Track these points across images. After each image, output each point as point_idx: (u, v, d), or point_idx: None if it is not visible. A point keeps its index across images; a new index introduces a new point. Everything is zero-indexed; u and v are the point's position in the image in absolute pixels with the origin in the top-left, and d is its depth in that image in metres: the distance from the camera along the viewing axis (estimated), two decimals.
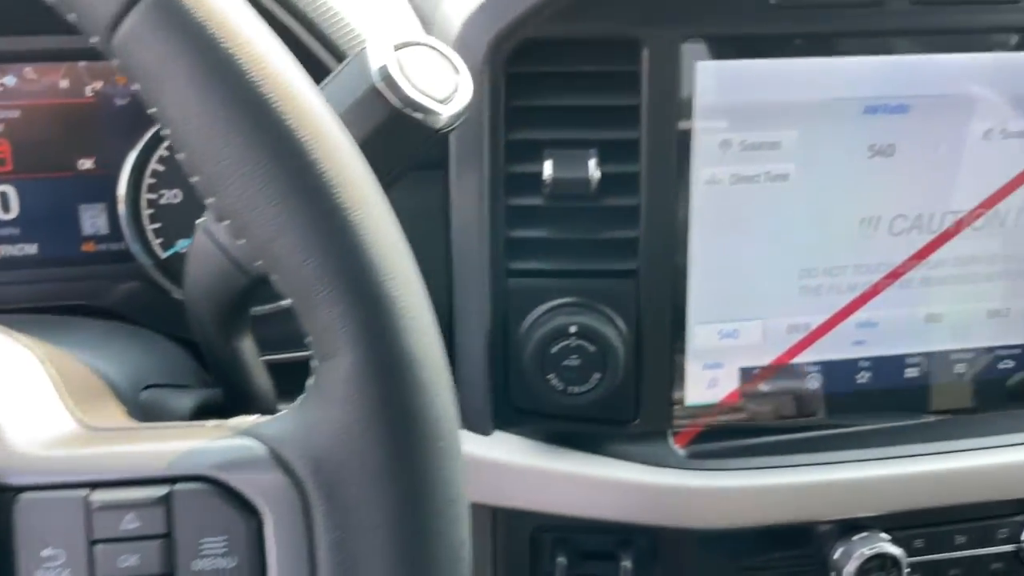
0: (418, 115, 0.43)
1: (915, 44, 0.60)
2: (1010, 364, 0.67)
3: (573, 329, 0.59)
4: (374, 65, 0.43)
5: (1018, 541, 0.67)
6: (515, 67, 0.58)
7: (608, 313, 0.61)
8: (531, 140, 0.59)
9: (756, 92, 0.59)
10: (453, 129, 0.45)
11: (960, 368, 0.67)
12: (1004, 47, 0.61)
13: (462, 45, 0.57)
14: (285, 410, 0.33)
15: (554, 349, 0.60)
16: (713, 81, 0.58)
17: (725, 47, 0.58)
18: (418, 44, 0.45)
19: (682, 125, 0.58)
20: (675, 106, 0.58)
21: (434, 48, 0.46)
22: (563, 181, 0.59)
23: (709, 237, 0.61)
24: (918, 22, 0.59)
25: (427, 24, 0.65)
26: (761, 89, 0.59)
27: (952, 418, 0.67)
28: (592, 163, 0.58)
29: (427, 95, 0.43)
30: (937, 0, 0.59)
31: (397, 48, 0.44)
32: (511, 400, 0.63)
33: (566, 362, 0.60)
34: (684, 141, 0.59)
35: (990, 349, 0.67)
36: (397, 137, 0.44)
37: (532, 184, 0.59)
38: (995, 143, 0.62)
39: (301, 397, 0.32)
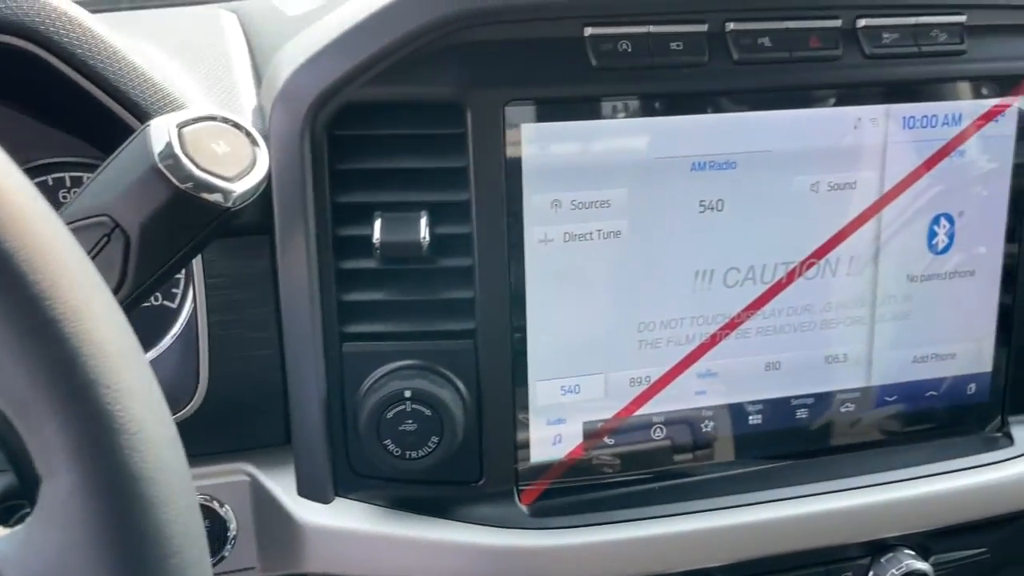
0: (203, 194, 0.42)
1: (739, 102, 0.61)
2: (851, 407, 0.69)
3: (408, 393, 0.58)
4: (156, 144, 0.42)
5: None
6: (339, 129, 0.57)
7: (448, 375, 0.60)
8: (359, 203, 0.58)
9: (582, 153, 0.59)
10: (245, 206, 0.44)
11: (802, 413, 0.68)
12: (825, 103, 0.62)
13: (282, 106, 0.56)
14: (18, 527, 0.31)
15: (389, 414, 0.59)
16: (539, 142, 0.58)
17: (549, 109, 0.58)
18: (211, 118, 0.44)
19: (511, 186, 0.58)
20: (502, 167, 0.58)
21: (228, 121, 0.45)
22: (393, 244, 0.58)
23: (546, 294, 0.61)
24: (741, 82, 0.60)
25: (259, 83, 0.64)
26: (587, 149, 0.59)
27: (797, 463, 0.68)
28: (423, 225, 0.58)
29: (213, 173, 0.42)
30: (758, 60, 0.60)
31: (184, 124, 0.43)
32: (352, 466, 0.62)
33: (402, 427, 0.59)
34: (515, 201, 0.59)
35: (830, 393, 0.68)
36: (183, 216, 0.42)
37: (363, 247, 0.58)
38: (822, 195, 0.64)
39: (30, 515, 0.30)
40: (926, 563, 0.68)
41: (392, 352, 0.60)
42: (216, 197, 0.42)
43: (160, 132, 0.42)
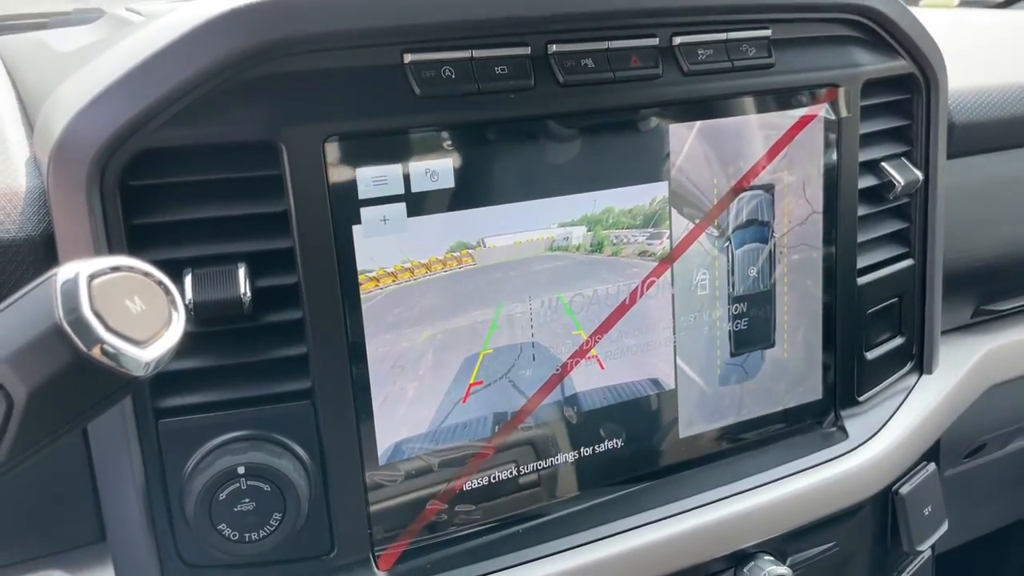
0: (109, 362, 0.34)
1: (568, 126, 0.59)
2: None
3: (242, 469, 0.52)
4: (61, 297, 0.34)
5: None
6: (133, 179, 0.50)
7: (285, 442, 0.54)
8: (164, 260, 0.51)
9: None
10: (155, 373, 0.37)
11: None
12: (647, 122, 0.62)
13: (61, 159, 0.48)
14: None
15: (222, 495, 0.52)
16: (368, 181, 0.54)
17: (374, 142, 0.53)
18: (127, 269, 0.37)
19: (340, 228, 0.53)
20: (328, 209, 0.53)
21: (145, 273, 0.37)
22: (210, 304, 0.51)
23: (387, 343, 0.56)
24: (568, 104, 0.58)
25: (31, 130, 0.56)
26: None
27: (649, 486, 0.67)
28: (242, 278, 0.52)
29: (124, 336, 0.35)
30: (584, 81, 0.58)
31: (96, 275, 0.35)
32: (181, 557, 0.54)
33: (238, 508, 0.52)
34: (346, 244, 0.54)
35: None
36: (83, 383, 0.35)
37: None
38: None
39: None
40: (785, 567, 0.69)
41: (218, 424, 0.53)
42: (124, 365, 0.35)
43: (67, 284, 0.34)
